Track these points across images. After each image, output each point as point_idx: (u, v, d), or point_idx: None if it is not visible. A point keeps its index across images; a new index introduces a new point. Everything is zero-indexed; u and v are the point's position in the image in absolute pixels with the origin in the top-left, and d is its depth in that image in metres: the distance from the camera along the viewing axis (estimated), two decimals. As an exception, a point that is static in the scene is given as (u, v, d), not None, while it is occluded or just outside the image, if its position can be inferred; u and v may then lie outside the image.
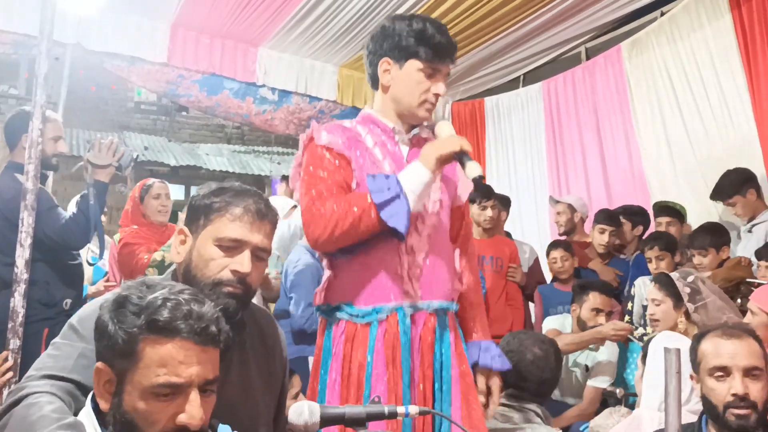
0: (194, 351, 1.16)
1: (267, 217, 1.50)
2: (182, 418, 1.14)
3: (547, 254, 4.17)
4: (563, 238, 4.56)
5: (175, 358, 1.14)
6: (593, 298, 3.49)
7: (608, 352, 3.47)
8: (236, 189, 1.50)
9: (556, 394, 3.54)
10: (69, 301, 3.00)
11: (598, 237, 4.15)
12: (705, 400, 1.96)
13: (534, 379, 2.31)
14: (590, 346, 3.46)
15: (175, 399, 1.15)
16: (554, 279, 4.29)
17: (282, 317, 3.43)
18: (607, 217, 4.20)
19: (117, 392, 1.16)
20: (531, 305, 4.43)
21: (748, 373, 1.88)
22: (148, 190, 3.75)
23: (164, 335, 1.15)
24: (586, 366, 3.50)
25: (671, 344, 2.40)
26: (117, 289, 1.25)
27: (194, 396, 1.16)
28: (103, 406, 1.18)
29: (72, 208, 2.97)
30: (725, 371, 1.90)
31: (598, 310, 3.47)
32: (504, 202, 4.56)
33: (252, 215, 1.47)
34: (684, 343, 2.36)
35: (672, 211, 4.05)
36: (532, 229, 5.42)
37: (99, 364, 1.19)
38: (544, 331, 3.63)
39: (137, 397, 1.14)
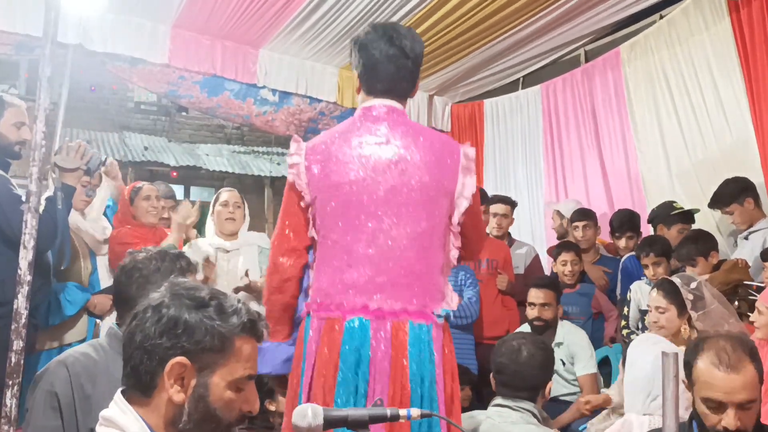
0: (256, 348, 1.35)
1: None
2: (248, 407, 1.32)
3: (556, 256, 4.19)
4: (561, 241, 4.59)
5: (254, 355, 1.33)
6: (530, 292, 3.71)
7: (579, 341, 3.64)
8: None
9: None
10: None
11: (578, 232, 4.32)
12: (696, 411, 1.92)
13: (530, 378, 2.32)
14: (557, 341, 3.61)
15: (244, 390, 1.31)
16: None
17: None
18: (583, 213, 4.38)
19: (199, 385, 1.26)
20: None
21: (742, 407, 1.81)
22: (137, 192, 3.72)
23: (251, 335, 1.32)
24: (563, 361, 3.61)
25: (650, 348, 2.42)
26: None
27: (254, 388, 1.34)
28: (178, 398, 1.25)
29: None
30: (719, 405, 1.82)
31: (532, 304, 3.67)
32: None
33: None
34: (664, 345, 2.38)
35: (688, 216, 4.00)
36: (529, 232, 5.43)
37: (179, 359, 1.24)
38: None
39: (224, 387, 1.28)
